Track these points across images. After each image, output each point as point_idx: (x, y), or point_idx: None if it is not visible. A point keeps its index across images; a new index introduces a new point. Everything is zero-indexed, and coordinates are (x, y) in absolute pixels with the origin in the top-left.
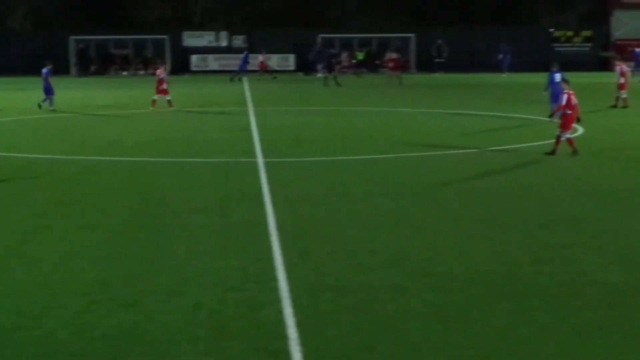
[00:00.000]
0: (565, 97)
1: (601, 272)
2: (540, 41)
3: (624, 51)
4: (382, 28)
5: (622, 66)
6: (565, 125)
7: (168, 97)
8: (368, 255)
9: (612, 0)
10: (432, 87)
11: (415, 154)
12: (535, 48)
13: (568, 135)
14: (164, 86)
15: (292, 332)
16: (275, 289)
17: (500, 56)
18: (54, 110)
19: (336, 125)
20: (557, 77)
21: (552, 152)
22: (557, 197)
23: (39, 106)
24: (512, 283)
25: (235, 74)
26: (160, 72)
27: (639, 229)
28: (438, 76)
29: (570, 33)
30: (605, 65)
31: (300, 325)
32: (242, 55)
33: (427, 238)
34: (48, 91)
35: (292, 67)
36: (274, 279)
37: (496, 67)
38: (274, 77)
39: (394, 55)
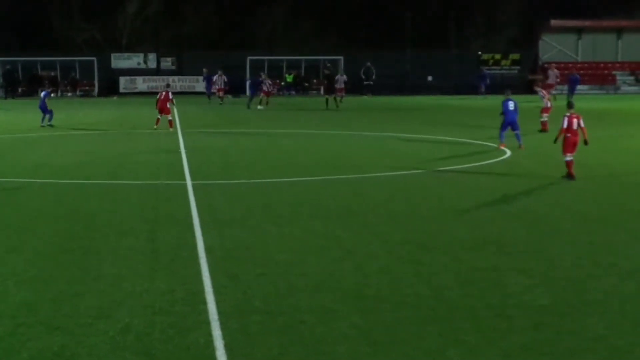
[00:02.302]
0: (565, 120)
1: (528, 294)
2: (468, 64)
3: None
4: (311, 50)
5: (542, 90)
6: (565, 149)
7: (169, 117)
8: (297, 278)
9: (540, 24)
10: (361, 109)
11: (343, 176)
12: (463, 71)
13: (568, 159)
14: (168, 105)
15: (221, 354)
16: (204, 312)
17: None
18: None
19: (264, 147)
20: (511, 105)
21: (569, 176)
22: (485, 219)
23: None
24: (441, 306)
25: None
26: (166, 93)
27: (564, 251)
28: (367, 98)
29: (498, 56)
30: (532, 89)
31: (228, 347)
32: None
33: (356, 261)
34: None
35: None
36: (202, 302)
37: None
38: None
39: (344, 78)
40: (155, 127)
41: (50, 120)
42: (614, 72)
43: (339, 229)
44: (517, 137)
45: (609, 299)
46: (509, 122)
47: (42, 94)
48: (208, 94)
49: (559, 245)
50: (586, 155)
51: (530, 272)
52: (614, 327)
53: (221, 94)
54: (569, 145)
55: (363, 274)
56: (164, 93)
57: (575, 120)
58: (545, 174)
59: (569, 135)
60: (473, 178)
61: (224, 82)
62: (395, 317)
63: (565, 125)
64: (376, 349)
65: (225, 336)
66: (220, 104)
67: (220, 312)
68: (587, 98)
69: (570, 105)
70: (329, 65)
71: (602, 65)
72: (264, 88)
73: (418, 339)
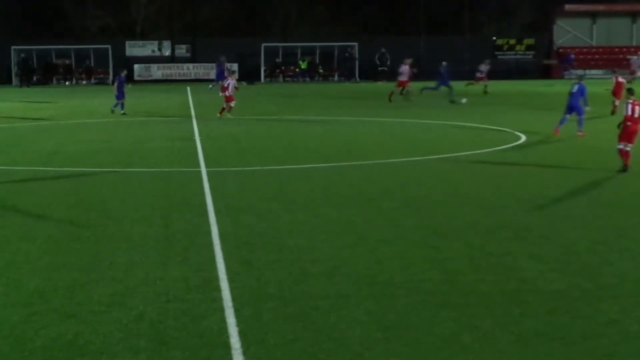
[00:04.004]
0: (629, 107)
1: (542, 280)
2: (482, 50)
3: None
4: (325, 36)
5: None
6: (623, 137)
7: (232, 104)
8: (310, 264)
9: (555, 9)
10: (376, 95)
11: (357, 163)
12: (477, 57)
13: (622, 147)
14: (227, 93)
15: (235, 341)
16: (217, 299)
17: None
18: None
19: (278, 134)
20: (574, 87)
21: (624, 168)
22: (497, 205)
23: (112, 111)
24: (454, 291)
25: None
26: (228, 80)
27: (577, 236)
28: (381, 85)
29: (512, 41)
30: (547, 73)
31: (242, 334)
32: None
33: (369, 247)
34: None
35: (235, 77)
36: (216, 289)
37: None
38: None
39: (406, 69)
40: (225, 114)
41: (122, 108)
42: (628, 57)
43: (352, 215)
44: (579, 122)
45: (623, 283)
46: (569, 106)
47: (118, 79)
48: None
49: (573, 230)
50: (599, 140)
51: (544, 257)
52: (628, 311)
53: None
54: (627, 134)
55: (376, 260)
56: (230, 80)
57: (638, 108)
58: (560, 159)
59: (629, 123)
60: (488, 163)
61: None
62: (408, 302)
63: (629, 112)
64: (389, 335)
65: (239, 323)
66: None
67: (234, 299)
68: (603, 83)
69: (631, 92)
70: (349, 49)
71: (616, 49)
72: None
73: (431, 325)
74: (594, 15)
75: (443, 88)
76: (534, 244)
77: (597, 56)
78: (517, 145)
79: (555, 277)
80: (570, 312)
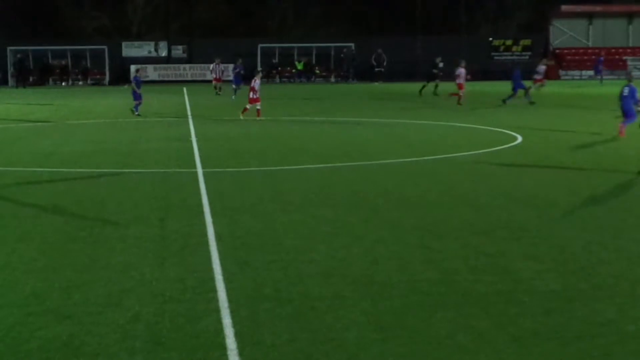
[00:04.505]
0: None
1: (538, 280)
2: (479, 50)
3: (562, 60)
4: (321, 37)
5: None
6: None
7: (258, 106)
8: (307, 265)
9: (551, 10)
10: (372, 96)
11: (353, 164)
12: (474, 57)
13: None
14: (253, 95)
15: (231, 342)
16: (213, 300)
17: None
18: None
19: (275, 135)
20: (625, 91)
21: None
22: (493, 205)
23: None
24: (450, 292)
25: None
26: (254, 80)
27: (574, 236)
28: (378, 85)
29: (509, 42)
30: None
31: (238, 335)
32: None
33: (365, 247)
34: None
35: (231, 77)
36: (213, 290)
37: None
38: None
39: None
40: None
41: (136, 109)
42: (625, 58)
43: (348, 215)
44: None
45: (619, 283)
46: (623, 109)
47: (134, 79)
48: (235, 87)
49: (569, 231)
50: (596, 141)
51: (540, 258)
52: (624, 311)
53: (217, 83)
54: None
55: (372, 260)
56: (256, 80)
57: None
58: (557, 159)
59: None
60: (484, 164)
61: (221, 72)
62: (404, 303)
63: None
64: (385, 335)
65: (235, 324)
66: (218, 94)
67: (230, 300)
68: (595, 83)
69: None
70: (344, 50)
71: (613, 50)
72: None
73: (427, 325)
74: (590, 16)
75: (520, 91)
76: (530, 245)
77: (593, 57)
78: (513, 146)
79: (551, 277)
80: (566, 313)
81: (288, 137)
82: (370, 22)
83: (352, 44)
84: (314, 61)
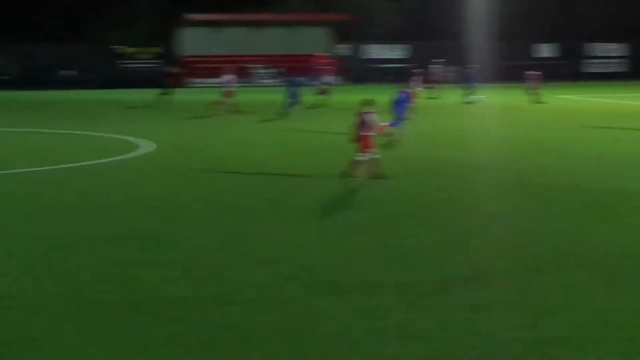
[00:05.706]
0: (361, 118)
1: (168, 287)
2: (103, 58)
3: (192, 68)
4: None
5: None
6: (362, 147)
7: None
8: None
9: (179, 18)
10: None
11: None
12: (99, 65)
13: (364, 158)
14: None
15: None
16: None
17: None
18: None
19: None
20: (399, 96)
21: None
22: (125, 214)
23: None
24: (79, 303)
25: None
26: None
27: (204, 243)
28: None
29: (132, 50)
30: (174, 82)
31: None
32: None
33: None
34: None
35: None
36: None
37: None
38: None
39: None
40: None
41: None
42: (251, 65)
43: None
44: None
45: (246, 287)
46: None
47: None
48: None
49: (200, 237)
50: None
51: (170, 265)
52: (252, 315)
53: None
54: (364, 144)
55: None
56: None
57: (366, 118)
58: (190, 167)
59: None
60: (115, 172)
61: None
62: (29, 317)
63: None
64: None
65: None
66: None
67: None
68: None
69: (368, 103)
70: None
71: (237, 58)
72: None
73: (55, 338)
74: (217, 25)
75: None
76: (160, 252)
77: (222, 65)
78: (145, 154)
79: (181, 284)
80: (197, 319)
81: None
82: None
83: None
84: None
